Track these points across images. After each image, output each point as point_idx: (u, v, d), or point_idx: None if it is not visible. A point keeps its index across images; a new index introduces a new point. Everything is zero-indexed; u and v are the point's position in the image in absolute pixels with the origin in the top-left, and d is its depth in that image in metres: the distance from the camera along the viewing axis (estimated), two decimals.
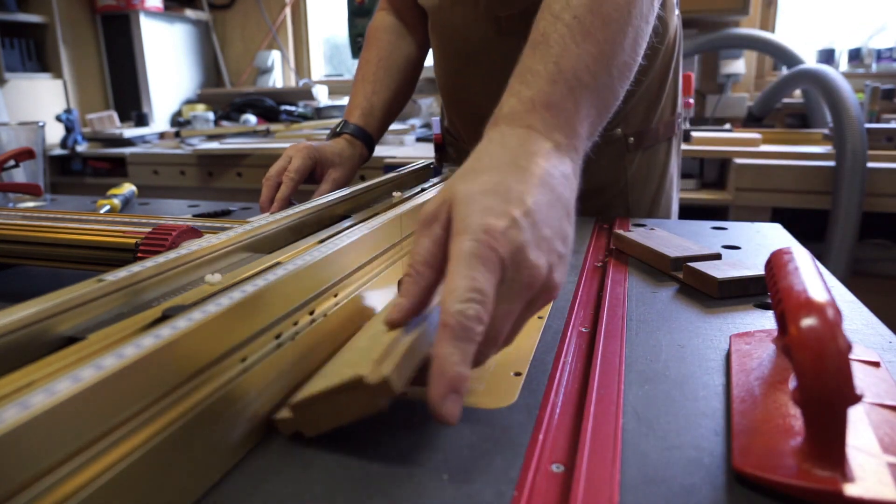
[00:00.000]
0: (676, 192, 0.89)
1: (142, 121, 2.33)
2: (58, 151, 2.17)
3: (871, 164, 1.55)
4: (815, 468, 0.25)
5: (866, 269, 1.70)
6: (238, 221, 0.50)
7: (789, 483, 0.25)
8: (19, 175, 0.88)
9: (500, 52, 0.74)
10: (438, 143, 0.87)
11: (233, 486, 0.27)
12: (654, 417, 0.32)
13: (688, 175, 1.76)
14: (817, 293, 0.27)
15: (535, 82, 0.39)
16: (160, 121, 2.50)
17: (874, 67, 2.14)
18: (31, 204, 0.91)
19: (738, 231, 0.70)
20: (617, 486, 0.27)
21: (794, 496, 0.25)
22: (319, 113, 2.40)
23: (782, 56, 1.98)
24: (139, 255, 0.47)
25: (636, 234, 0.61)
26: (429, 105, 2.31)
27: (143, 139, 2.29)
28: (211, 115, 2.42)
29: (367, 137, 0.79)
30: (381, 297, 0.44)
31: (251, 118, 2.34)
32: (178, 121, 2.55)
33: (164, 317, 0.28)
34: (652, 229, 0.65)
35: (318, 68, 2.83)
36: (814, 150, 1.70)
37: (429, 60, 0.88)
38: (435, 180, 0.65)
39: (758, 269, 0.50)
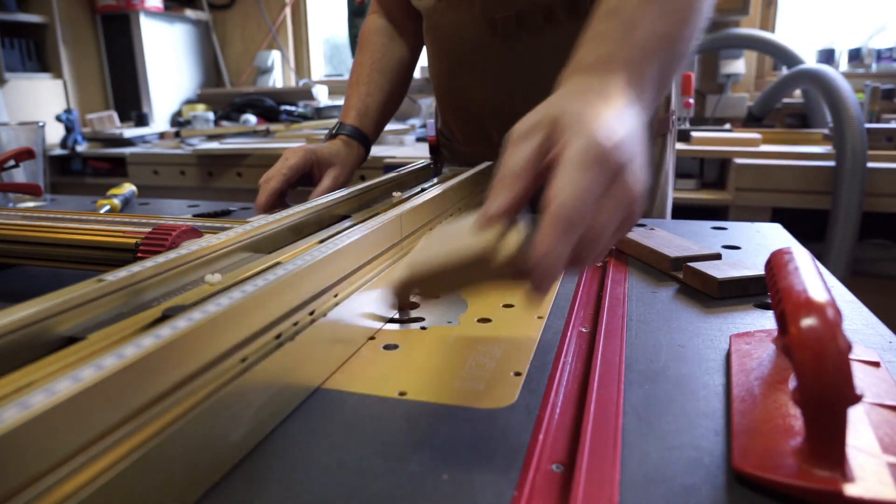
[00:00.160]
0: (671, 190, 0.89)
1: (142, 121, 2.33)
2: (58, 151, 2.17)
3: (871, 164, 1.55)
4: (815, 468, 0.25)
5: (866, 269, 1.70)
6: (238, 221, 0.50)
7: (789, 483, 0.25)
8: (19, 175, 0.88)
9: (495, 53, 0.74)
10: (433, 144, 0.88)
11: (233, 486, 0.27)
12: (654, 417, 0.32)
13: (688, 175, 1.76)
14: (817, 293, 0.27)
15: (608, 44, 0.42)
16: (160, 121, 2.50)
17: (874, 67, 2.14)
18: (31, 204, 0.91)
19: (738, 231, 0.70)
20: (617, 486, 0.27)
21: (794, 496, 0.25)
22: (319, 113, 2.41)
23: (782, 56, 1.98)
24: (139, 255, 0.47)
25: (636, 234, 0.61)
26: (429, 105, 2.31)
27: (143, 139, 2.29)
28: (211, 115, 2.42)
29: (364, 138, 0.79)
30: (381, 297, 0.44)
31: (251, 118, 2.34)
32: (178, 121, 2.55)
33: (164, 317, 0.28)
34: (652, 229, 0.65)
35: (318, 68, 2.83)
36: (814, 150, 1.70)
37: (424, 61, 0.88)
38: (435, 180, 0.65)
39: (758, 269, 0.50)
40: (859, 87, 1.89)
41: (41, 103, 2.31)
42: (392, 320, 0.46)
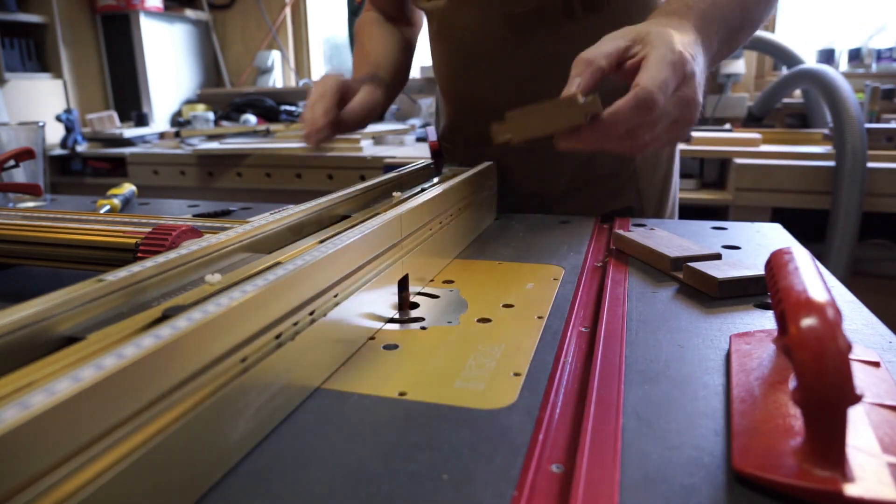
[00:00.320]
0: (677, 186, 0.90)
1: (142, 121, 2.33)
2: (58, 151, 2.17)
3: (871, 164, 1.55)
4: (815, 468, 0.25)
5: (866, 269, 1.70)
6: (238, 221, 0.50)
7: (789, 483, 0.25)
8: (19, 175, 0.88)
9: (513, 49, 0.73)
10: (435, 149, 0.87)
11: (233, 486, 0.27)
12: (654, 417, 0.32)
13: (688, 175, 1.76)
14: (817, 293, 0.27)
15: (692, 3, 0.54)
16: (160, 121, 2.50)
17: (874, 67, 2.14)
18: (31, 204, 0.91)
19: (738, 231, 0.70)
20: (617, 486, 0.27)
21: (794, 496, 0.25)
22: None
23: (782, 56, 1.98)
24: (139, 255, 0.47)
25: (636, 234, 0.61)
26: (429, 105, 2.31)
27: (143, 139, 2.29)
28: (211, 115, 2.42)
29: (383, 83, 0.78)
30: (381, 297, 0.44)
31: (251, 118, 2.34)
32: (178, 121, 2.55)
33: (164, 317, 0.28)
34: (652, 229, 0.65)
35: (318, 68, 2.84)
36: (814, 150, 1.70)
37: (427, 60, 0.89)
38: (435, 180, 0.65)
39: (758, 269, 0.50)
40: (859, 87, 1.89)
41: (41, 103, 2.31)
42: (392, 320, 0.46)
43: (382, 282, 0.44)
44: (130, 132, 2.23)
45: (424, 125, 2.24)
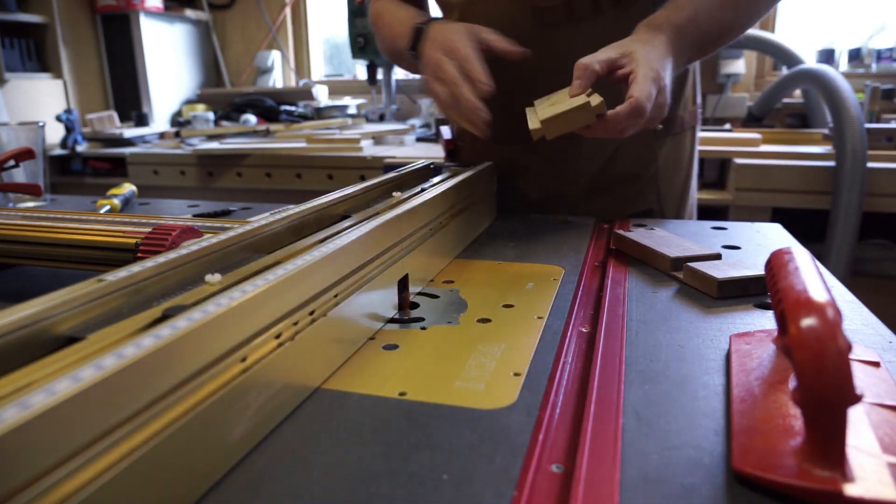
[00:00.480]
0: (695, 189, 0.91)
1: (142, 121, 2.33)
2: (58, 151, 2.17)
3: (871, 164, 1.55)
4: (815, 468, 0.25)
5: (866, 269, 1.70)
6: (238, 221, 0.50)
7: (789, 483, 0.25)
8: (19, 175, 0.88)
9: (536, 44, 0.71)
10: (451, 149, 0.86)
11: (233, 486, 0.27)
12: (654, 417, 0.32)
13: None
14: (817, 293, 0.27)
15: (670, 13, 0.66)
16: (160, 121, 2.50)
17: (874, 67, 2.14)
18: (31, 204, 0.91)
19: (738, 231, 0.70)
20: (617, 486, 0.27)
21: (794, 496, 0.25)
22: (319, 113, 2.40)
23: (782, 56, 1.98)
24: (139, 255, 0.47)
25: (636, 234, 0.61)
26: (428, 105, 2.31)
27: (143, 139, 2.29)
28: (211, 115, 2.42)
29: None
30: (381, 297, 0.44)
31: (251, 118, 2.34)
32: (178, 121, 2.55)
33: (164, 317, 0.28)
34: (652, 229, 0.65)
35: (318, 68, 2.83)
36: (814, 150, 1.69)
37: None
38: (435, 180, 0.65)
39: (758, 269, 0.50)
40: (859, 87, 1.88)
41: (41, 103, 2.31)
42: (392, 320, 0.46)
43: (382, 282, 0.44)
44: (130, 132, 2.23)
45: (424, 125, 2.24)
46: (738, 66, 2.16)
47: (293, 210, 0.48)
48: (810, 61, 1.93)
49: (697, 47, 0.69)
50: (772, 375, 0.34)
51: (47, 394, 0.20)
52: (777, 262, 0.35)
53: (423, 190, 0.58)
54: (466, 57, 0.66)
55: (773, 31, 2.21)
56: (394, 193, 0.58)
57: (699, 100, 0.89)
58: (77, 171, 2.19)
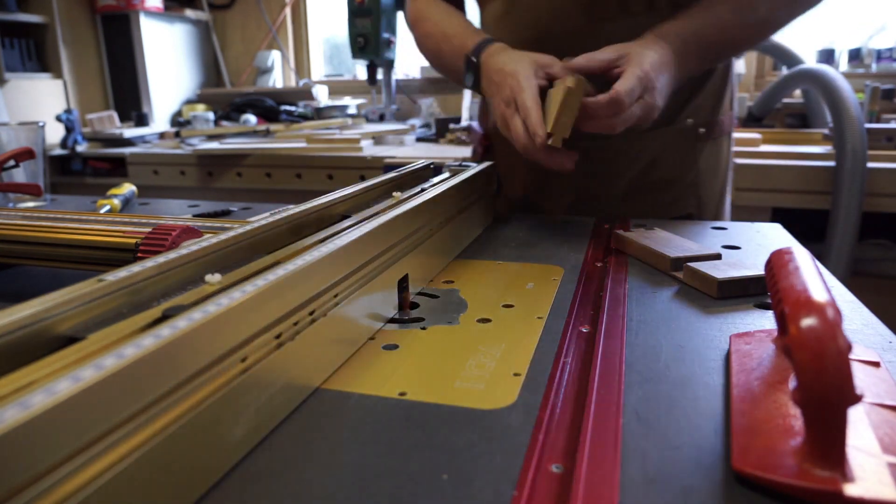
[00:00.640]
0: (730, 195, 0.91)
1: (142, 121, 2.33)
2: (58, 151, 2.17)
3: (871, 164, 1.55)
4: (815, 468, 0.25)
5: (866, 269, 1.70)
6: (238, 221, 0.50)
7: (789, 483, 0.25)
8: (19, 175, 0.88)
9: (586, 39, 0.70)
10: (486, 145, 0.85)
11: (233, 486, 0.27)
12: (654, 417, 0.32)
13: None
14: (817, 293, 0.27)
15: (678, 26, 0.68)
16: (160, 121, 2.50)
17: (874, 67, 2.14)
18: (31, 204, 0.91)
19: (738, 231, 0.70)
20: (617, 486, 0.27)
21: (794, 496, 0.25)
22: (319, 113, 2.40)
23: (782, 56, 1.98)
24: (139, 255, 0.47)
25: (636, 234, 0.62)
26: (429, 105, 2.31)
27: (143, 139, 2.29)
28: (211, 115, 2.42)
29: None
30: (381, 297, 0.44)
31: (251, 118, 2.34)
32: (178, 121, 2.55)
33: (164, 317, 0.28)
34: (652, 229, 0.65)
35: (318, 68, 2.83)
36: (814, 150, 1.69)
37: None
38: (436, 180, 0.65)
39: (758, 269, 0.50)
40: (859, 87, 1.88)
41: (41, 103, 2.31)
42: (392, 320, 0.46)
43: (382, 282, 0.44)
44: (130, 132, 2.23)
45: (424, 125, 2.24)
46: (738, 66, 2.16)
47: (293, 210, 0.48)
48: (810, 61, 1.93)
49: (704, 56, 0.71)
50: (772, 375, 0.34)
51: (47, 394, 0.20)
52: (777, 262, 0.35)
53: (423, 190, 0.58)
54: (524, 107, 0.63)
55: None
56: (394, 193, 0.58)
57: (735, 103, 0.89)
58: (77, 171, 2.19)
